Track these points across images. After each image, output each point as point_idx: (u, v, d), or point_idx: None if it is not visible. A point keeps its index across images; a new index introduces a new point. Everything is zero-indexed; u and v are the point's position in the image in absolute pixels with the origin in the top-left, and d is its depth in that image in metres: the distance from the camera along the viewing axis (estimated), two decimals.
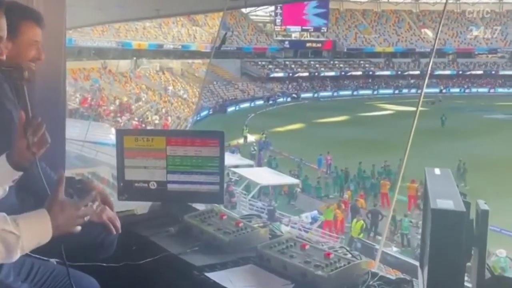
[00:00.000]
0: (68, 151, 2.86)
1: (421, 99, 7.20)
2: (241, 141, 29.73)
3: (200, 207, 2.59)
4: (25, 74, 1.65)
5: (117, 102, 36.51)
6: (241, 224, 2.23)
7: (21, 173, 1.59)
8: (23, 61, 1.80)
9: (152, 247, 2.22)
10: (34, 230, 1.45)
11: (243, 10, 56.78)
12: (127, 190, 2.52)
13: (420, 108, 7.20)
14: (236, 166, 22.00)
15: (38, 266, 1.79)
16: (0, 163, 1.57)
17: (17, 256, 1.42)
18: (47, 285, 1.78)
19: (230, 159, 21.71)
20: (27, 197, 1.83)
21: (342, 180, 22.43)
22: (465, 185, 20.28)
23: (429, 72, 10.00)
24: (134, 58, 46.88)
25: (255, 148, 27.10)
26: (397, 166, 20.92)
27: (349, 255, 1.94)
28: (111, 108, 34.68)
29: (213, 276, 1.91)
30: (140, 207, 2.62)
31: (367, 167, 22.75)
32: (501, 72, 60.02)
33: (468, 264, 1.52)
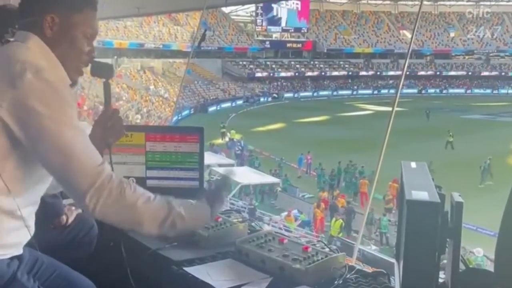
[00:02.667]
0: None
1: (397, 99, 7.28)
2: (221, 140, 29.67)
3: None
4: (113, 71, 1.75)
5: (98, 99, 36.13)
6: (220, 219, 2.23)
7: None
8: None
9: (131, 242, 2.20)
10: (195, 219, 1.62)
11: (224, 10, 56.81)
12: None
13: (397, 108, 7.29)
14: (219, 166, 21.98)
15: (41, 264, 1.79)
16: None
17: (175, 233, 1.59)
18: (48, 284, 1.77)
19: (211, 158, 21.68)
20: None
21: (321, 178, 22.52)
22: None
23: (405, 72, 10.07)
24: (115, 57, 46.46)
25: (240, 147, 27.10)
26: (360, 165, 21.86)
27: (327, 249, 1.96)
28: (92, 106, 34.30)
29: (191, 270, 1.92)
30: None
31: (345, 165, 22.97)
32: (478, 73, 61.05)
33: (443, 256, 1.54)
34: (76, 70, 1.60)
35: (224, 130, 31.32)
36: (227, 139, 30.04)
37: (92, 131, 1.72)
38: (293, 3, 57.52)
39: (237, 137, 29.82)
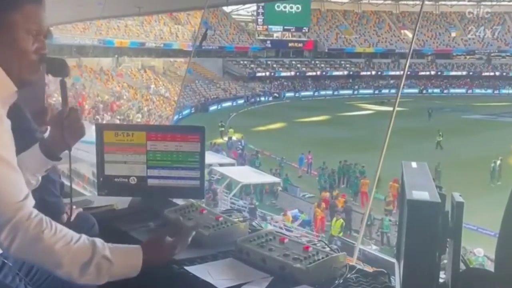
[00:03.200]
0: None
1: (398, 99, 7.28)
2: (221, 139, 29.67)
3: (181, 202, 2.59)
4: (68, 68, 1.67)
5: (99, 98, 36.20)
6: (221, 219, 2.23)
7: (54, 163, 1.63)
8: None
9: (132, 241, 2.20)
10: (125, 263, 1.50)
11: (225, 9, 56.80)
12: (107, 185, 2.51)
13: (398, 108, 7.28)
14: (220, 165, 22.04)
15: (37, 269, 1.79)
16: (34, 152, 1.61)
17: (104, 281, 1.46)
18: (46, 285, 1.78)
19: (212, 157, 21.72)
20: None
21: (322, 178, 22.52)
22: None
23: (406, 72, 10.10)
24: (116, 56, 46.50)
25: (240, 147, 27.11)
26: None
27: (327, 249, 1.96)
28: (93, 105, 34.36)
29: (192, 269, 1.92)
30: (120, 202, 2.62)
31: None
32: (479, 74, 61.01)
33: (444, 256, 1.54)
34: (28, 71, 1.50)
35: (223, 129, 31.32)
36: (226, 138, 30.06)
37: (50, 132, 1.67)
38: None
39: (237, 136, 29.83)
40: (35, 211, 1.42)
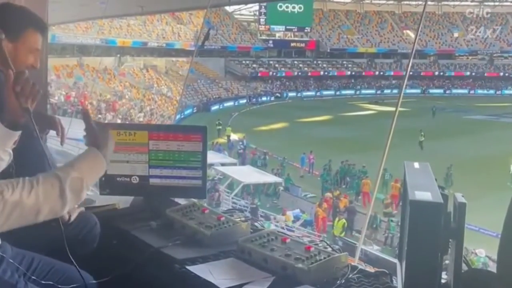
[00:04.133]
0: (49, 147, 2.82)
1: (400, 99, 7.27)
2: (219, 137, 29.67)
3: (182, 201, 2.59)
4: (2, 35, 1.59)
5: (101, 98, 36.23)
6: (222, 218, 2.23)
7: (19, 132, 1.58)
8: (20, 67, 1.76)
9: (134, 240, 2.21)
10: (92, 168, 1.52)
11: (228, 9, 56.80)
12: (109, 184, 2.51)
13: (400, 108, 7.28)
14: (221, 164, 22.07)
15: (38, 261, 1.80)
16: None
17: (84, 197, 1.50)
18: (46, 280, 1.78)
19: (214, 157, 21.73)
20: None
21: (325, 178, 22.51)
22: None
23: (408, 73, 10.10)
24: (118, 55, 46.53)
25: (242, 146, 27.12)
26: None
27: (329, 249, 1.96)
28: (94, 103, 34.38)
29: (194, 269, 1.92)
30: (122, 201, 2.62)
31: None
32: (481, 74, 60.92)
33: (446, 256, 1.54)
34: None
35: (220, 127, 31.23)
36: (225, 137, 30.03)
37: (3, 99, 1.58)
38: None
39: (238, 136, 29.81)
40: None
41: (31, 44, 1.87)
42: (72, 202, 1.45)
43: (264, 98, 50.33)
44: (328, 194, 20.07)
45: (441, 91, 58.45)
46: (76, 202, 1.47)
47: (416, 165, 1.70)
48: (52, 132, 2.28)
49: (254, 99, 49.14)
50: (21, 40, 1.84)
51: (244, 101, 48.29)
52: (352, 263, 1.97)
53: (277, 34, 59.57)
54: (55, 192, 1.41)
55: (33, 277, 1.75)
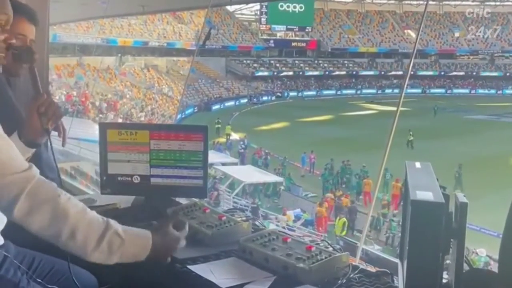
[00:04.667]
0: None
1: (401, 99, 7.28)
2: (218, 136, 29.69)
3: (184, 201, 2.59)
4: (36, 55, 1.68)
5: (102, 97, 36.26)
6: (224, 218, 2.23)
7: (33, 150, 1.64)
8: None
9: None
10: (135, 243, 1.47)
11: (229, 8, 56.82)
12: (110, 184, 2.51)
13: (401, 108, 7.29)
14: (223, 164, 22.08)
15: (40, 260, 1.80)
16: (14, 141, 1.55)
17: (114, 261, 1.43)
18: (48, 280, 1.78)
19: (215, 157, 21.74)
20: None
21: (326, 177, 22.50)
22: None
23: (409, 72, 10.12)
24: (119, 55, 46.56)
25: (242, 146, 27.13)
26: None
27: (330, 249, 1.96)
28: (96, 104, 34.41)
29: (195, 268, 1.92)
30: (123, 201, 2.61)
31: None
32: (482, 74, 60.89)
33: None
34: None
35: (219, 125, 31.19)
36: (224, 136, 30.01)
37: (26, 119, 1.66)
38: None
39: (239, 135, 29.80)
40: (45, 179, 1.40)
41: (13, 29, 1.84)
42: (103, 256, 1.40)
43: (265, 98, 50.36)
44: (329, 194, 20.07)
45: (442, 90, 58.44)
46: (106, 258, 1.41)
47: (418, 164, 1.70)
48: (54, 132, 2.28)
49: (255, 99, 49.16)
50: None
51: (245, 100, 48.33)
52: (353, 263, 1.97)
53: (278, 34, 59.59)
54: (97, 230, 1.39)
55: (34, 277, 1.75)
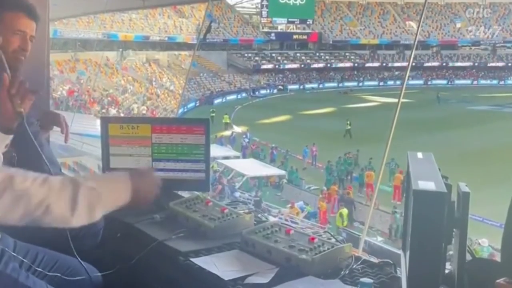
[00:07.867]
0: (53, 142, 2.83)
1: (403, 91, 7.26)
2: (227, 133, 29.69)
3: (186, 194, 2.59)
4: None
5: (104, 92, 36.28)
6: (226, 211, 2.23)
7: (11, 136, 1.56)
8: (7, 51, 1.77)
9: (138, 234, 2.22)
10: (113, 189, 1.42)
11: (229, 1, 56.65)
12: None
13: (403, 100, 7.27)
14: (225, 157, 22.09)
15: (43, 256, 1.80)
16: None
17: (98, 216, 1.37)
18: (51, 274, 1.79)
19: (217, 151, 21.74)
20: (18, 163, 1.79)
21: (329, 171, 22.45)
22: None
23: (411, 64, 10.06)
24: (120, 49, 46.50)
25: (245, 139, 27.12)
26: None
27: (333, 240, 1.96)
28: (98, 99, 34.42)
29: (198, 261, 1.92)
30: None
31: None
32: (484, 64, 60.65)
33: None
34: None
35: (213, 114, 30.95)
36: (223, 128, 29.96)
37: (2, 105, 1.55)
38: None
39: (242, 128, 29.79)
40: None
41: (13, 26, 1.81)
42: (84, 214, 1.34)
43: (266, 91, 50.28)
44: (333, 187, 20.06)
45: (444, 82, 58.25)
46: (88, 216, 1.35)
47: (420, 155, 1.70)
48: (57, 128, 2.28)
49: (256, 92, 49.10)
50: (2, 23, 1.79)
51: (247, 94, 48.24)
52: (356, 254, 1.97)
53: (279, 27, 59.38)
54: (67, 193, 1.31)
55: (39, 270, 1.76)
